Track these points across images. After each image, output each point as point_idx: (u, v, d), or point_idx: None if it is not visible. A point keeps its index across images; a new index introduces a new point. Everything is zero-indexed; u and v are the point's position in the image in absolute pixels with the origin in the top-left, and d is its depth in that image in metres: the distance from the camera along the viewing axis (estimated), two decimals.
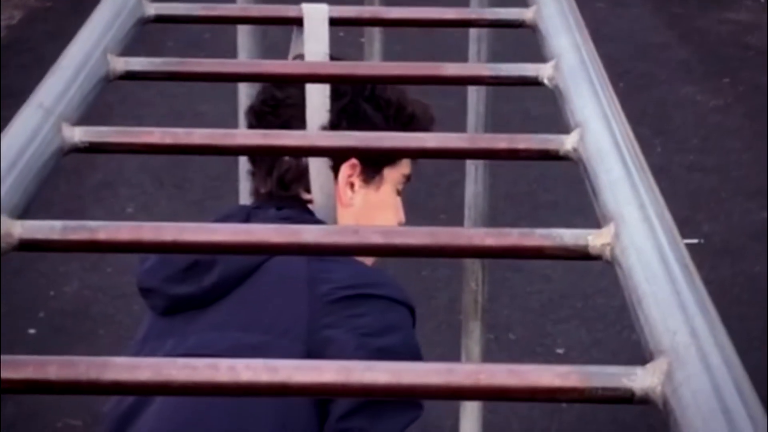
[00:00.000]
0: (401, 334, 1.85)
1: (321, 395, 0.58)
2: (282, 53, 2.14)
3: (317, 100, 1.72)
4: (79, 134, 0.83)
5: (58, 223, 0.72)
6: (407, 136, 0.86)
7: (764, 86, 6.16)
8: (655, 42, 6.84)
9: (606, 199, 0.70)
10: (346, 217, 1.99)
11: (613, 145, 0.76)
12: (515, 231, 0.68)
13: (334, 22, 1.15)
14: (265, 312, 1.84)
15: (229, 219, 1.96)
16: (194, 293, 1.90)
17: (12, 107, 0.87)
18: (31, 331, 4.15)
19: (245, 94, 2.21)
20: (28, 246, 0.71)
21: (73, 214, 4.54)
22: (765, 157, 5.38)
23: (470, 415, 2.18)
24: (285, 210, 1.94)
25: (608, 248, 0.66)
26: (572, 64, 0.89)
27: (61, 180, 4.99)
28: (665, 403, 0.55)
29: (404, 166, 2.04)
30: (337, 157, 1.89)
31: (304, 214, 1.95)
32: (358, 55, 3.13)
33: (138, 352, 1.95)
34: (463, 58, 2.15)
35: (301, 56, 1.52)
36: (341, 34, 5.35)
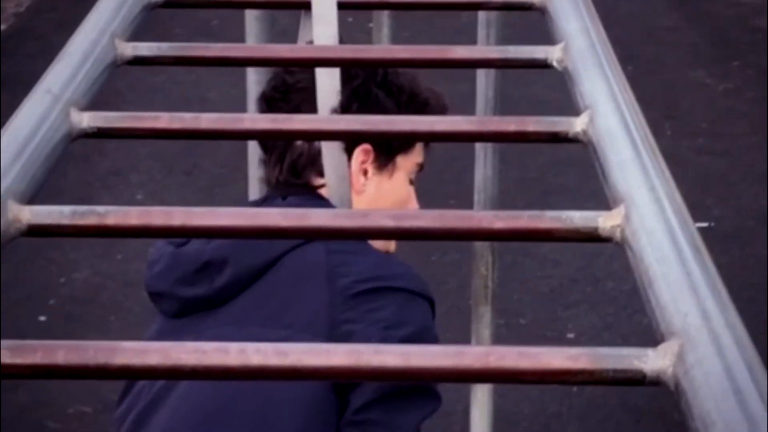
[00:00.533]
0: (422, 327, 1.85)
1: (331, 378, 0.57)
2: (291, 39, 2.14)
3: (328, 84, 1.71)
4: (87, 119, 0.83)
5: (66, 208, 0.72)
6: (416, 119, 0.86)
7: None
8: (663, 25, 6.82)
9: (616, 181, 0.70)
10: (359, 203, 1.98)
11: (622, 127, 0.75)
12: (525, 213, 0.68)
13: (342, 5, 1.15)
14: (284, 307, 1.83)
15: None
16: (206, 294, 1.87)
17: (20, 95, 0.87)
18: (42, 318, 4.16)
19: (253, 80, 2.20)
20: (36, 231, 0.71)
21: (82, 202, 4.53)
22: None
23: (481, 399, 2.18)
24: (290, 198, 1.93)
25: (618, 230, 0.66)
26: (581, 46, 0.88)
27: (71, 167, 4.99)
28: (677, 384, 0.55)
29: (417, 155, 2.03)
30: (347, 141, 1.89)
31: (311, 200, 1.93)
32: (367, 40, 3.12)
33: None
34: (472, 43, 2.14)
35: (310, 41, 1.52)
36: (350, 19, 5.35)
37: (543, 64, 0.91)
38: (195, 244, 1.91)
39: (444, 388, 1.88)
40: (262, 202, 2.00)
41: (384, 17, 2.74)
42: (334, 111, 1.78)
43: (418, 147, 2.03)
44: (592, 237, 0.67)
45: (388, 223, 0.68)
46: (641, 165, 0.70)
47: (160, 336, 1.91)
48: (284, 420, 1.77)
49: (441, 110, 2.02)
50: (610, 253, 4.32)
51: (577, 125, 0.78)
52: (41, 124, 0.80)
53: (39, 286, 4.32)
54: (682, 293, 0.58)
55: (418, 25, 5.81)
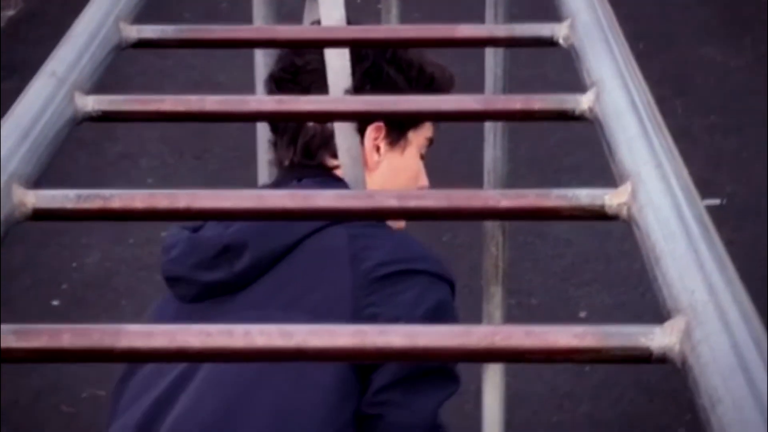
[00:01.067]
0: (445, 309, 1.85)
1: (336, 359, 0.57)
2: (298, 21, 2.13)
3: (338, 64, 1.71)
4: (92, 103, 0.83)
5: (72, 192, 0.72)
6: (423, 98, 0.86)
7: None
8: (675, 2, 6.80)
9: (622, 158, 0.69)
10: (372, 181, 1.98)
11: (629, 103, 0.75)
12: (531, 192, 0.68)
13: None
14: (307, 291, 1.82)
15: None
16: (226, 279, 1.86)
17: (29, 79, 0.87)
18: (55, 302, 4.17)
19: (262, 63, 2.20)
20: (41, 215, 0.70)
21: (92, 187, 4.54)
22: None
23: (493, 379, 2.18)
24: (305, 181, 1.93)
25: (625, 207, 0.66)
26: (587, 22, 0.88)
27: (81, 152, 5.00)
28: (684, 361, 0.54)
29: (427, 129, 2.04)
30: (355, 121, 1.89)
31: (327, 182, 1.93)
32: (376, 22, 3.12)
33: None
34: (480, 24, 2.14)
35: (316, 21, 1.51)
36: (358, 0, 5.34)
37: (549, 42, 0.90)
38: (213, 229, 1.90)
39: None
40: (275, 186, 1.99)
41: None
42: (348, 92, 1.78)
43: (428, 122, 2.04)
44: (598, 215, 0.67)
45: (394, 203, 0.68)
46: (648, 142, 0.70)
47: (178, 321, 1.90)
48: (308, 404, 1.77)
49: (449, 83, 2.03)
50: (622, 233, 4.32)
51: (583, 103, 0.78)
52: (46, 108, 0.79)
53: (51, 270, 4.33)
54: (689, 270, 0.57)
55: (427, 7, 5.80)
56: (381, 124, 1.97)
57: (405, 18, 2.73)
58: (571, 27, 0.89)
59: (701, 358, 0.53)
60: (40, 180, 0.75)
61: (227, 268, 1.86)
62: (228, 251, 1.86)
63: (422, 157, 2.06)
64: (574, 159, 5.00)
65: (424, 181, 2.07)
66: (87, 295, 4.22)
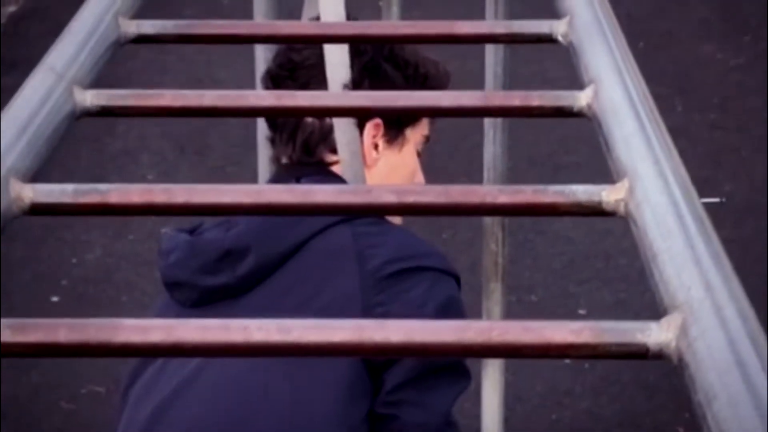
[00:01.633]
0: (453, 304, 1.86)
1: (334, 354, 0.57)
2: (299, 18, 2.13)
3: (337, 58, 1.71)
4: (90, 98, 0.83)
5: (69, 187, 0.72)
6: (422, 94, 0.86)
7: None
8: (675, 0, 6.80)
9: (620, 155, 0.69)
10: (370, 178, 1.98)
11: (627, 100, 0.75)
12: (529, 188, 0.68)
13: None
14: (314, 293, 1.81)
15: None
16: (229, 283, 1.84)
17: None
18: (54, 298, 4.17)
19: (262, 59, 2.20)
20: (39, 210, 0.70)
21: (93, 182, 4.54)
22: None
23: (492, 376, 2.18)
24: (304, 180, 1.92)
25: (622, 204, 0.66)
26: (586, 19, 0.88)
27: (81, 148, 5.00)
28: (680, 358, 0.54)
29: (424, 127, 2.05)
30: (352, 117, 1.89)
31: (326, 180, 1.92)
32: (377, 19, 3.12)
33: None
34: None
35: (315, 17, 1.51)
36: None
37: (548, 39, 0.90)
38: (213, 232, 1.88)
39: None
40: (274, 183, 1.98)
41: None
42: (346, 87, 1.78)
43: (425, 119, 2.04)
44: (596, 211, 0.67)
45: (392, 198, 0.68)
46: (645, 138, 0.70)
47: None
48: (319, 403, 1.77)
49: (444, 81, 2.03)
50: (622, 230, 4.32)
51: (581, 99, 0.78)
52: (44, 103, 0.79)
53: (51, 266, 4.33)
54: (686, 266, 0.58)
55: (427, 4, 5.80)
56: (379, 121, 1.97)
57: (405, 15, 2.73)
58: (570, 24, 0.89)
59: (697, 354, 0.53)
60: (40, 176, 0.75)
61: (230, 272, 1.84)
62: (230, 255, 1.84)
63: (419, 154, 2.06)
64: (575, 156, 5.00)
65: (420, 178, 2.07)
66: (87, 291, 4.22)
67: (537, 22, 0.91)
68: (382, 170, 1.99)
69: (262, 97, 0.86)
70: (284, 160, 2.00)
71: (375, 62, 1.95)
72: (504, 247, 2.17)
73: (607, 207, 0.66)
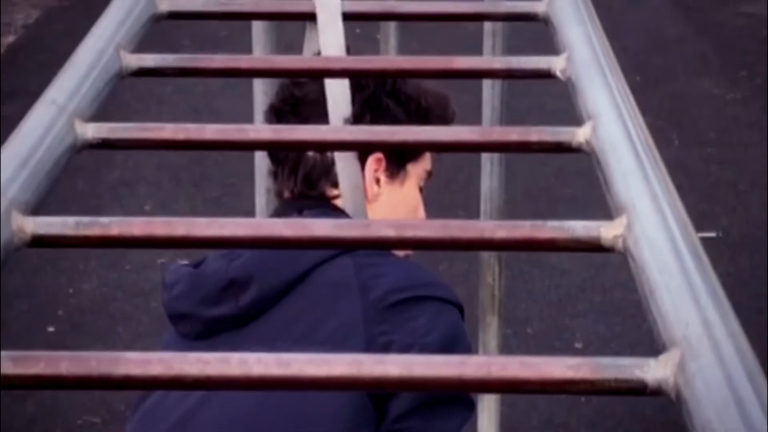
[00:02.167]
0: (455, 333, 1.86)
1: (333, 389, 0.58)
2: (298, 52, 2.14)
3: (338, 93, 1.72)
4: (91, 130, 0.83)
5: (70, 219, 0.72)
6: (420, 129, 0.86)
7: None
8: (672, 35, 6.83)
9: (618, 191, 0.70)
10: (372, 212, 1.98)
11: (625, 136, 0.75)
12: (527, 223, 0.68)
13: (346, 16, 1.15)
14: (317, 323, 1.81)
15: None
16: (231, 313, 1.84)
17: (29, 105, 0.87)
18: (51, 329, 4.16)
19: (261, 91, 2.21)
20: (40, 242, 0.71)
21: (91, 213, 4.55)
22: None
23: (488, 409, 2.18)
24: (306, 212, 1.92)
25: (620, 240, 0.66)
26: (584, 55, 0.88)
27: (79, 178, 5.01)
28: (678, 394, 0.55)
29: (426, 162, 2.05)
30: (353, 151, 1.89)
31: (328, 213, 1.92)
32: (374, 51, 3.13)
33: None
34: (478, 54, 2.15)
35: (317, 52, 1.52)
36: (357, 30, 5.35)
37: (546, 74, 0.91)
38: (216, 263, 1.88)
39: None
40: (275, 217, 1.98)
41: (391, 29, 2.74)
42: (347, 121, 1.78)
43: (427, 154, 2.04)
44: (594, 247, 0.67)
45: (391, 233, 0.69)
46: (643, 174, 0.70)
47: None
48: (330, 416, 1.77)
49: (448, 116, 2.03)
50: (618, 263, 4.32)
51: (580, 135, 0.78)
52: (46, 135, 0.80)
53: (47, 296, 4.33)
54: (684, 302, 0.58)
55: (425, 36, 5.82)
56: (381, 156, 1.98)
57: (403, 48, 2.74)
58: (569, 60, 0.90)
59: (695, 390, 0.53)
60: (40, 208, 0.76)
61: (233, 303, 1.84)
62: (233, 285, 1.84)
63: (421, 190, 2.06)
64: (571, 189, 5.01)
65: (422, 213, 2.08)
66: (83, 321, 4.21)
67: (535, 57, 0.92)
68: (383, 205, 1.99)
69: (262, 130, 0.86)
70: (286, 194, 2.00)
71: (377, 97, 1.96)
72: (500, 279, 2.17)
73: (606, 243, 0.67)
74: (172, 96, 5.83)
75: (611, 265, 4.36)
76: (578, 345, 4.09)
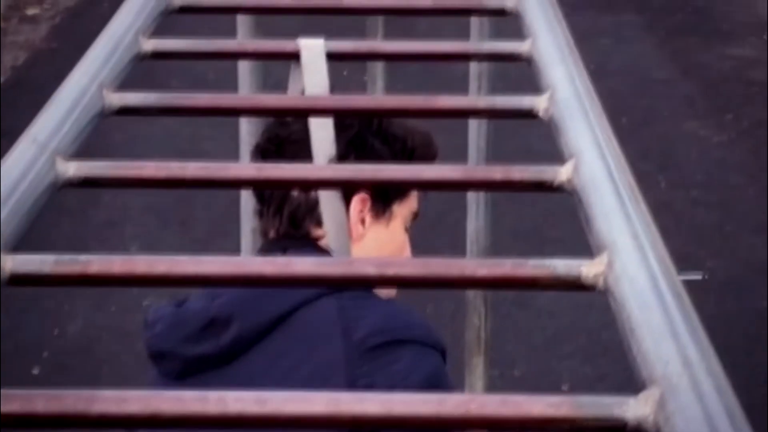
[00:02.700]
0: (438, 376, 1.85)
1: (311, 427, 0.57)
2: (285, 92, 2.14)
3: (323, 133, 1.72)
4: (73, 169, 0.83)
5: (49, 257, 0.71)
6: (404, 167, 0.86)
7: (767, 122, 6.17)
8: (658, 77, 6.86)
9: (599, 229, 0.70)
10: (358, 252, 1.97)
11: (606, 175, 0.75)
12: (508, 261, 0.68)
13: (331, 56, 1.15)
14: (299, 364, 1.81)
15: None
16: (212, 352, 1.84)
17: None
18: (35, 370, 4.14)
19: (246, 131, 2.21)
20: (19, 280, 0.70)
21: (75, 254, 4.53)
22: None
23: None
24: (290, 252, 1.92)
25: (601, 278, 0.66)
26: (567, 95, 0.89)
27: (65, 219, 5.00)
28: None
29: (412, 203, 2.04)
30: (336, 188, 1.89)
31: (312, 253, 1.92)
32: (362, 94, 3.14)
33: None
34: (465, 95, 2.16)
35: (301, 92, 1.52)
36: (345, 72, 5.37)
37: (529, 114, 0.91)
38: (198, 302, 1.88)
39: None
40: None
41: (378, 71, 2.75)
42: (332, 161, 1.78)
43: (414, 195, 2.04)
44: (575, 285, 0.67)
45: (372, 270, 0.68)
46: (625, 213, 0.70)
47: None
48: None
49: (432, 155, 2.04)
50: (604, 305, 4.31)
51: (562, 174, 0.78)
52: (27, 173, 0.80)
53: (33, 337, 4.31)
54: (664, 340, 0.58)
55: (412, 79, 5.84)
56: (366, 195, 1.98)
57: (390, 90, 2.75)
58: (551, 99, 0.90)
59: (675, 429, 0.53)
60: (21, 247, 0.75)
61: (213, 342, 1.84)
62: (215, 324, 1.84)
63: (407, 230, 2.06)
64: (558, 231, 5.01)
65: (408, 254, 2.07)
66: (68, 363, 4.19)
67: (518, 97, 0.92)
68: (369, 245, 1.99)
69: (245, 168, 0.86)
70: (271, 234, 2.00)
71: (361, 137, 1.96)
72: (486, 321, 2.17)
73: (587, 281, 0.67)
74: (159, 138, 5.83)
75: (597, 307, 4.36)
76: (565, 387, 4.08)
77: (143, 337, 1.92)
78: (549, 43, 1.00)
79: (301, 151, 1.90)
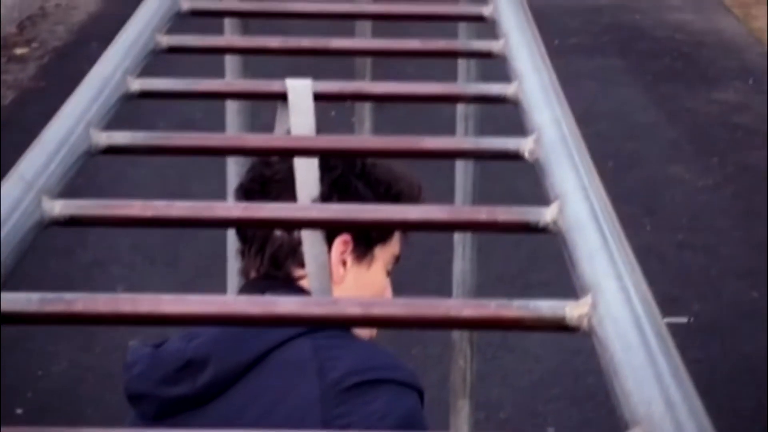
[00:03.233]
0: (414, 418, 1.84)
1: None
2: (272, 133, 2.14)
3: (306, 173, 1.73)
4: (59, 207, 0.83)
5: (35, 295, 0.72)
6: (389, 208, 0.86)
7: (753, 166, 6.20)
8: (644, 121, 6.89)
9: (583, 271, 0.70)
10: (337, 294, 1.97)
11: (591, 216, 0.76)
12: (493, 302, 0.68)
13: (318, 96, 1.16)
14: (274, 406, 1.81)
15: None
16: (188, 394, 1.84)
17: None
18: (19, 411, 4.12)
19: (234, 172, 2.21)
20: (4, 319, 0.70)
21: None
22: (755, 237, 5.40)
23: None
24: (268, 293, 1.92)
25: (586, 319, 0.66)
26: (552, 137, 0.89)
27: (52, 258, 4.98)
28: None
29: (395, 246, 2.04)
30: (320, 229, 1.89)
31: (290, 293, 1.92)
32: (349, 134, 3.14)
33: None
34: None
35: (287, 132, 1.53)
36: (333, 113, 5.39)
37: (515, 155, 0.91)
38: (176, 344, 1.89)
39: None
40: None
41: (366, 112, 2.76)
42: (314, 201, 1.79)
43: (396, 238, 2.04)
44: (559, 326, 0.67)
45: (357, 310, 0.69)
46: (609, 254, 0.71)
47: None
48: None
49: (416, 200, 2.03)
50: (590, 349, 4.31)
51: (546, 215, 0.79)
52: (13, 211, 0.80)
53: (16, 378, 4.29)
54: (647, 381, 0.58)
55: (400, 121, 5.86)
56: (348, 238, 1.97)
57: (378, 131, 2.76)
58: (537, 141, 0.90)
59: None
60: (7, 286, 0.75)
61: (190, 383, 1.84)
62: (191, 365, 1.85)
63: (388, 273, 2.06)
64: (544, 274, 5.01)
65: (389, 297, 2.07)
66: (52, 404, 4.18)
67: (504, 138, 0.92)
68: (349, 287, 1.99)
69: (231, 208, 0.86)
70: (252, 274, 2.00)
71: (345, 178, 1.96)
72: (472, 363, 2.17)
73: (571, 322, 0.67)
74: (146, 178, 5.83)
75: (584, 350, 4.36)
76: (550, 430, 4.07)
77: (122, 378, 1.92)
78: (535, 85, 1.00)
79: (285, 190, 1.90)
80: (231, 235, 2.23)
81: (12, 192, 0.82)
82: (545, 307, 0.67)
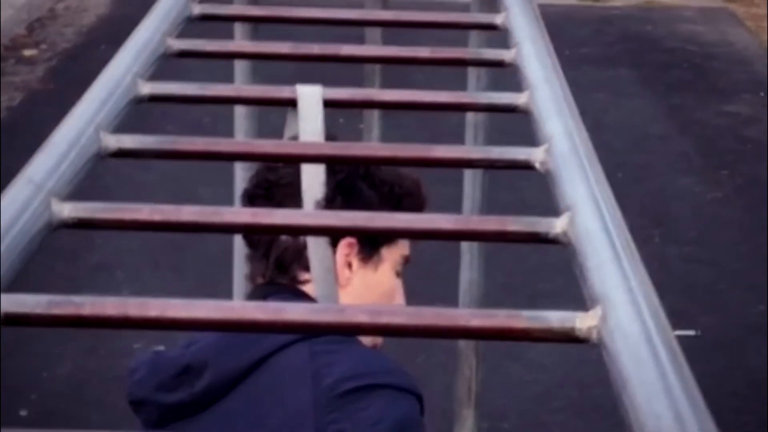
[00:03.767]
0: (409, 424, 1.83)
1: None
2: (280, 138, 2.14)
3: (313, 176, 1.72)
4: (68, 210, 0.83)
5: (43, 298, 0.71)
6: (398, 216, 0.86)
7: (763, 179, 6.18)
8: (654, 133, 6.88)
9: (593, 282, 0.69)
10: (345, 297, 1.96)
11: (602, 228, 0.75)
12: (502, 312, 0.68)
13: (328, 103, 1.15)
14: (269, 411, 1.80)
15: None
16: (186, 400, 1.84)
17: None
18: (23, 413, 4.12)
19: (241, 177, 2.21)
20: (12, 320, 0.70)
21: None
22: (763, 251, 5.38)
23: None
24: (271, 298, 1.91)
25: (595, 331, 0.66)
26: (564, 148, 0.89)
27: (57, 262, 4.98)
28: None
29: (403, 247, 2.02)
30: (327, 236, 1.89)
31: (293, 299, 1.92)
32: (358, 141, 3.14)
33: None
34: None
35: (295, 137, 1.52)
36: (341, 120, 5.38)
37: (525, 166, 0.91)
38: (176, 350, 1.89)
39: None
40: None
41: (374, 119, 2.75)
42: (319, 204, 1.78)
43: (403, 240, 2.02)
44: (568, 337, 0.67)
45: (365, 318, 0.68)
46: (619, 266, 0.70)
47: None
48: None
49: (421, 203, 2.02)
50: (596, 359, 4.30)
51: (557, 226, 0.78)
52: (22, 213, 0.79)
53: (21, 380, 4.29)
54: (656, 395, 0.57)
55: (409, 128, 5.85)
56: (353, 240, 1.96)
57: (386, 138, 2.75)
58: (548, 152, 0.90)
59: None
60: (14, 287, 0.75)
61: (187, 389, 1.84)
62: (189, 372, 1.85)
63: (399, 274, 2.04)
64: (551, 284, 5.00)
65: (400, 299, 2.05)
66: (56, 406, 4.17)
67: (515, 148, 0.92)
68: (356, 289, 1.98)
69: (239, 213, 0.86)
70: (259, 279, 2.00)
71: (350, 181, 1.95)
72: (478, 372, 2.16)
73: (580, 334, 0.66)
74: (154, 182, 5.83)
75: (590, 361, 4.34)
76: None
77: (125, 384, 1.93)
78: (547, 95, 1.00)
79: (289, 194, 1.90)
80: (237, 240, 2.23)
81: (21, 194, 0.82)
82: (554, 318, 0.67)
